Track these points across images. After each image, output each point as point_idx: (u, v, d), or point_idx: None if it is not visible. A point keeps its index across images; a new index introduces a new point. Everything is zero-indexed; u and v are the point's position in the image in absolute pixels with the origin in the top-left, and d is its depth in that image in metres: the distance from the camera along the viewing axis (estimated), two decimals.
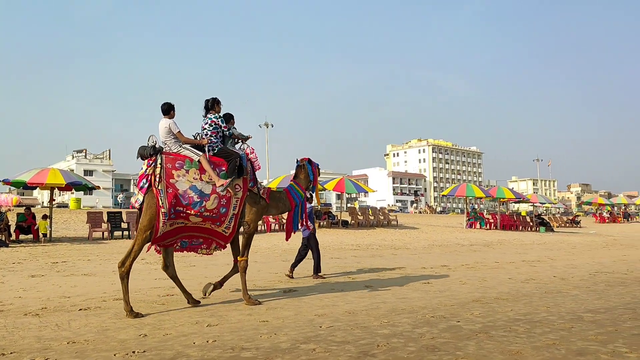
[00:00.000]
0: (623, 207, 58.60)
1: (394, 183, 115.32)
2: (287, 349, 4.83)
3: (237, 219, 6.97)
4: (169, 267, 7.11)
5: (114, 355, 4.59)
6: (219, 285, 7.50)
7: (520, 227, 31.94)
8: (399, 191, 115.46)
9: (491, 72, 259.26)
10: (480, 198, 34.67)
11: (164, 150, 6.74)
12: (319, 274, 9.88)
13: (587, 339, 5.32)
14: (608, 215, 50.41)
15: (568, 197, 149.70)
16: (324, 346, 4.92)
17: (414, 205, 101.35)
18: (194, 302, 6.88)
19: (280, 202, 7.79)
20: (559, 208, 78.08)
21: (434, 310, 6.69)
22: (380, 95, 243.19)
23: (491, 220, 31.64)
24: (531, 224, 32.67)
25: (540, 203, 42.78)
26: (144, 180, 6.53)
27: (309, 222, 9.75)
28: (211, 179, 6.68)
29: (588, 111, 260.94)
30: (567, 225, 40.43)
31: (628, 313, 6.72)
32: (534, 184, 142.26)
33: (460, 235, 25.03)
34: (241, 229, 7.27)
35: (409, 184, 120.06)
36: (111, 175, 76.65)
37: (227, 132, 7.32)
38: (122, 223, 19.54)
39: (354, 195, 79.57)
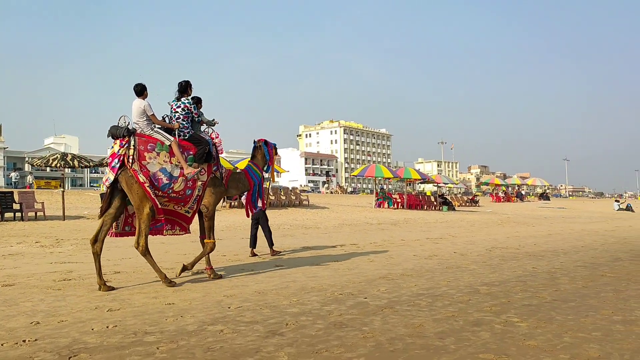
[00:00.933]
0: (516, 187, 63.25)
1: (306, 163, 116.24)
2: (194, 331, 4.70)
3: (200, 200, 7.40)
4: (97, 241, 6.70)
5: (2, 345, 4.23)
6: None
7: (425, 206, 33.53)
8: (311, 172, 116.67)
9: (401, 56, 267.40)
10: (389, 178, 35.88)
11: (136, 131, 6.85)
12: (274, 248, 10.23)
13: (482, 310, 5.68)
14: (503, 195, 54.23)
15: (468, 178, 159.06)
16: (232, 327, 4.84)
17: (326, 185, 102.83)
18: (108, 289, 6.43)
19: (240, 182, 8.11)
20: (460, 188, 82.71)
21: (342, 288, 6.82)
22: (292, 76, 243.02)
23: (398, 200, 32.88)
24: (435, 203, 34.39)
25: (443, 183, 45.05)
26: (116, 160, 6.64)
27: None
28: (179, 163, 6.96)
29: (487, 99, 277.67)
30: (467, 204, 43.01)
31: (519, 285, 7.26)
32: (438, 165, 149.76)
33: (369, 214, 25.77)
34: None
35: (321, 165, 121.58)
36: (2, 152, 70.58)
37: (197, 119, 7.48)
38: (13, 204, 18.04)
39: (266, 175, 79.29)
